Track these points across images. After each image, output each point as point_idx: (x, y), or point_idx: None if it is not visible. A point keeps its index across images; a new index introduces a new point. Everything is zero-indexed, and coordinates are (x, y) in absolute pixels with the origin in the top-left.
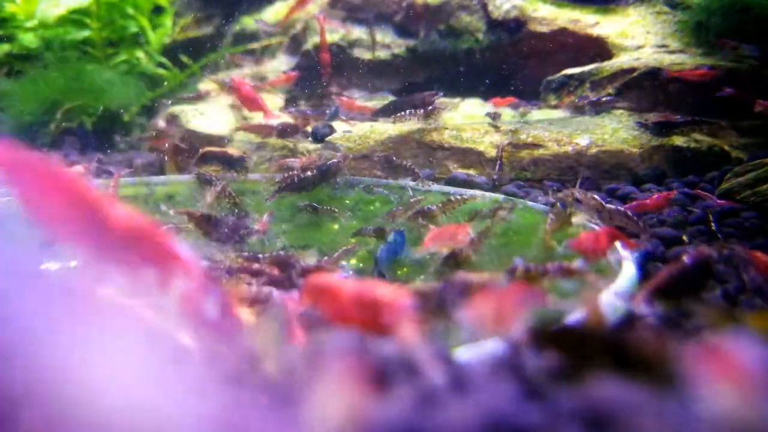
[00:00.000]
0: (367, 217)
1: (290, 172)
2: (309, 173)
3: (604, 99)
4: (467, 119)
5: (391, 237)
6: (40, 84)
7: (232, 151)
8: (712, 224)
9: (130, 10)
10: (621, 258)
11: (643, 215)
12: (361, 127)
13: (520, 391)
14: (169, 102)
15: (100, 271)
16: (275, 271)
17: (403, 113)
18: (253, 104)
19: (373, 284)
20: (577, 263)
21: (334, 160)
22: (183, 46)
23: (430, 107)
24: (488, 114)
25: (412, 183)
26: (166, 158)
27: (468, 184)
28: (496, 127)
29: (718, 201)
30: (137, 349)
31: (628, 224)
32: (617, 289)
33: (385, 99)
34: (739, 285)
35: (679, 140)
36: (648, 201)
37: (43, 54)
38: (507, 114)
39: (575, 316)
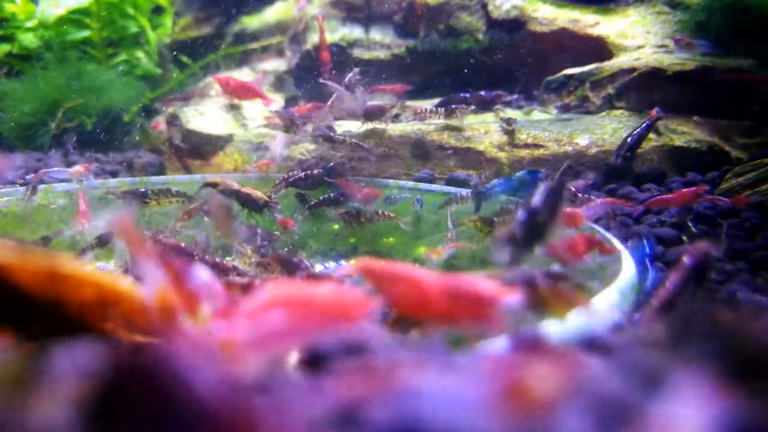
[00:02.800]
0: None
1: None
2: (316, 171)
3: (572, 105)
4: (468, 119)
5: (520, 174)
6: (40, 84)
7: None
8: (692, 227)
9: (130, 10)
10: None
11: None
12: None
13: None
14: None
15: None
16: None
17: (455, 107)
18: (248, 92)
19: (466, 278)
20: (558, 268)
21: (340, 160)
22: (183, 46)
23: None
24: (502, 119)
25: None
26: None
27: (467, 184)
28: (510, 133)
29: (724, 199)
30: None
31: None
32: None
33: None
34: None
35: (679, 140)
36: (673, 195)
37: (43, 54)
38: (508, 113)
39: None
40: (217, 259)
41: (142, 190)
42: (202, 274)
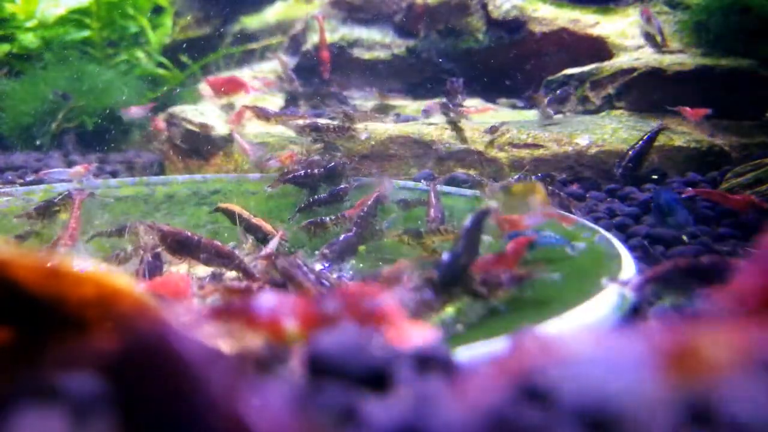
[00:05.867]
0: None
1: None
2: (316, 170)
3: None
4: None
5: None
6: (40, 84)
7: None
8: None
9: (130, 10)
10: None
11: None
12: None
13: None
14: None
15: None
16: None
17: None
18: (230, 84)
19: None
20: (529, 269)
21: (341, 160)
22: (183, 46)
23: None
24: (492, 127)
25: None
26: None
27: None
28: (493, 140)
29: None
30: None
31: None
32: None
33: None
34: None
35: (679, 140)
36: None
37: (43, 54)
38: (507, 114)
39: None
40: (216, 243)
41: (46, 200)
42: (266, 300)
